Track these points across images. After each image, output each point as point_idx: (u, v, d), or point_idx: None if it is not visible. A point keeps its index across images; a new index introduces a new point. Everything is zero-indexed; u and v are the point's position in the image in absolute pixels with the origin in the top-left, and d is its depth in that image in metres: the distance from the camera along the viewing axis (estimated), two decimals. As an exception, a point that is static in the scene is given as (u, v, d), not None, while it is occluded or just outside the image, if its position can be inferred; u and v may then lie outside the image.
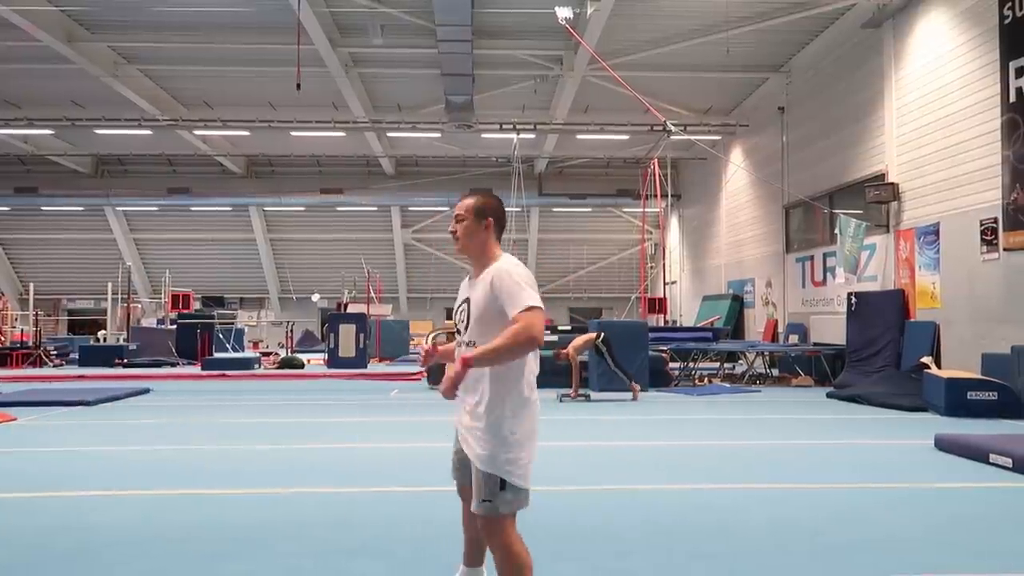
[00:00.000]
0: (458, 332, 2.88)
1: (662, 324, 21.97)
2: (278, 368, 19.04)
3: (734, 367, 17.50)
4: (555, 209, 29.92)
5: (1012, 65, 10.32)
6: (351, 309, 22.90)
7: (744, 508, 4.99)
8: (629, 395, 11.78)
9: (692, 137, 19.54)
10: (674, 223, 28.77)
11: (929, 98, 12.46)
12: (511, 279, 2.71)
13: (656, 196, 21.50)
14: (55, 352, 22.22)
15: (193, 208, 29.53)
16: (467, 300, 2.84)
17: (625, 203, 28.56)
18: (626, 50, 16.72)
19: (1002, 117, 10.52)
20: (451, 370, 2.73)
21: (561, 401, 11.35)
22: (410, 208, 30.15)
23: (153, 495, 5.36)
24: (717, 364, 16.98)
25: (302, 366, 19.16)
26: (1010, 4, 10.36)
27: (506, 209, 2.98)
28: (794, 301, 17.72)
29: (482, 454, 2.72)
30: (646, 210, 23.13)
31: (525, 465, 2.74)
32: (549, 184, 28.30)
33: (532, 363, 2.82)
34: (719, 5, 14.62)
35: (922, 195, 12.66)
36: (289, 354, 21.31)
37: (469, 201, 2.88)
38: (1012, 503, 5.22)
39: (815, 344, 15.66)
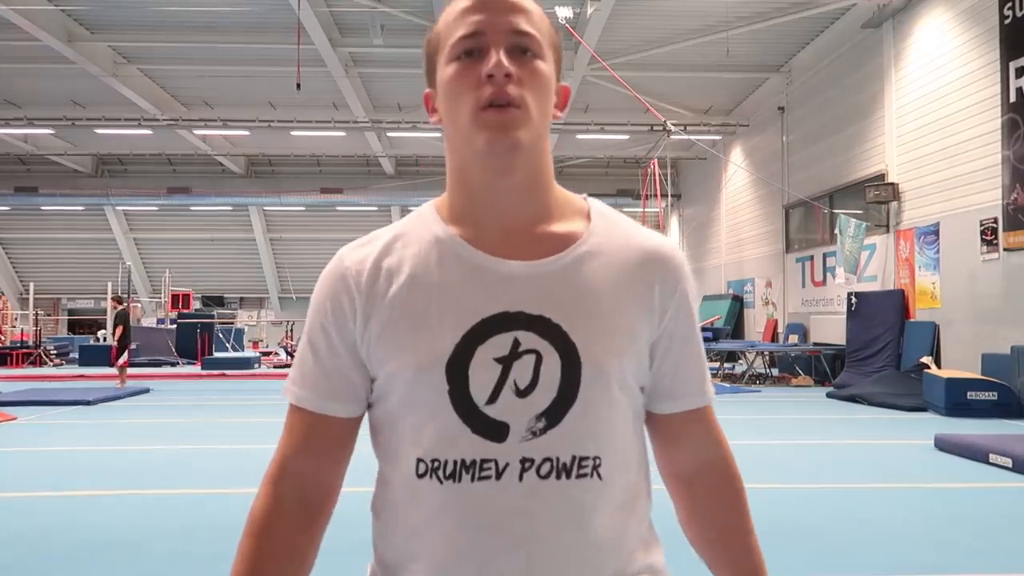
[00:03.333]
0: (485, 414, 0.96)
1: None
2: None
3: (734, 367, 17.50)
4: (555, 209, 29.92)
5: (1012, 65, 10.32)
6: (351, 309, 22.87)
7: (744, 508, 4.97)
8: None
9: (692, 137, 19.53)
10: (674, 223, 28.76)
11: (929, 98, 12.45)
12: (692, 298, 1.09)
13: (656, 196, 21.48)
14: (55, 352, 22.25)
15: (193, 208, 29.50)
16: (535, 321, 0.94)
17: (625, 203, 28.48)
18: (626, 50, 16.70)
19: (1002, 117, 10.51)
20: None
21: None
22: (410, 208, 29.24)
23: (153, 495, 5.36)
24: (717, 364, 16.98)
25: None
26: (1010, 4, 10.36)
27: None
28: (794, 301, 17.72)
29: None
30: (646, 210, 23.09)
31: None
32: (549, 184, 28.26)
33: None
34: (719, 5, 14.61)
35: (922, 195, 12.66)
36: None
37: (539, 11, 1.01)
38: (1012, 503, 5.22)
39: (815, 344, 15.66)
